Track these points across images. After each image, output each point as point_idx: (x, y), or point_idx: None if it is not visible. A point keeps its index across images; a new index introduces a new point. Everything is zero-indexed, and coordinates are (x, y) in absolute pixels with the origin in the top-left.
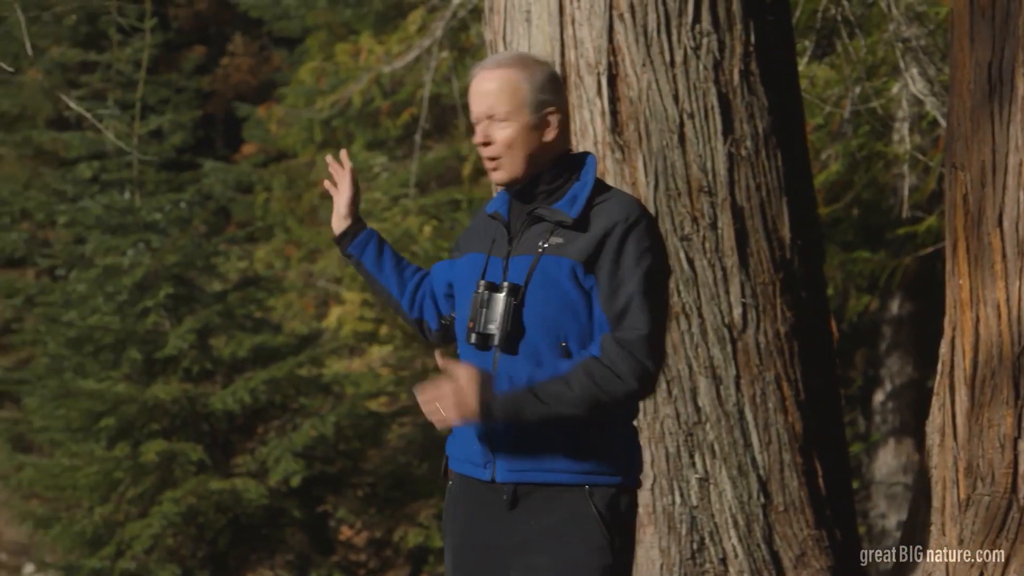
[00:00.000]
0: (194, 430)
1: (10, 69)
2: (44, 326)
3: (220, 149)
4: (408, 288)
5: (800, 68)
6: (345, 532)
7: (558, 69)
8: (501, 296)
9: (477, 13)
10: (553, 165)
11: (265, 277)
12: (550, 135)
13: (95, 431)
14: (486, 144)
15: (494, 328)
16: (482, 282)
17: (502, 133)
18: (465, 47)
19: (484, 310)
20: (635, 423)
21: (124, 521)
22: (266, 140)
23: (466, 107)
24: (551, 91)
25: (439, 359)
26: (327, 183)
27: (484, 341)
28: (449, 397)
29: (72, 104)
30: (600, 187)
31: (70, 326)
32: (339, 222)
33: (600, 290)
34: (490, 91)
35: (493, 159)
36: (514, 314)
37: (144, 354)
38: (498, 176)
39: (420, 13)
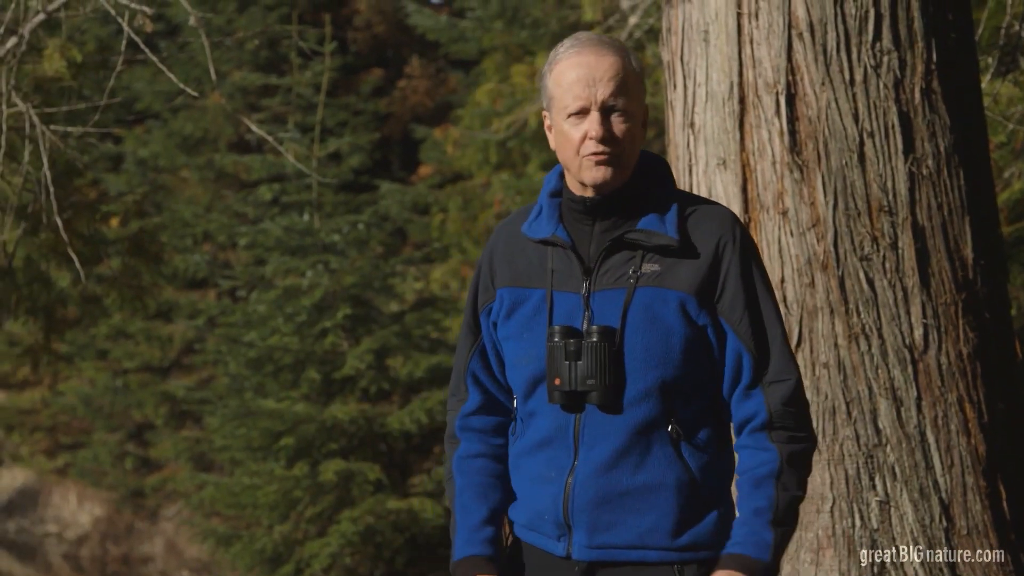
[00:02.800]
0: (371, 450)
1: (195, 93)
2: (225, 346)
3: (397, 171)
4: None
5: (983, 85)
6: None
7: (736, 89)
8: (594, 343)
9: (654, 33)
10: (637, 168)
11: (441, 298)
12: (644, 134)
13: (275, 450)
14: (605, 139)
15: (592, 384)
16: (556, 328)
17: (622, 127)
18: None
19: (570, 363)
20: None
21: (303, 539)
22: (442, 161)
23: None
24: None
25: None
26: None
27: (576, 401)
28: None
29: (253, 127)
30: (681, 193)
31: (250, 346)
32: None
33: (733, 327)
34: (614, 76)
35: (609, 154)
36: (614, 365)
37: (322, 374)
38: (611, 176)
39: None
